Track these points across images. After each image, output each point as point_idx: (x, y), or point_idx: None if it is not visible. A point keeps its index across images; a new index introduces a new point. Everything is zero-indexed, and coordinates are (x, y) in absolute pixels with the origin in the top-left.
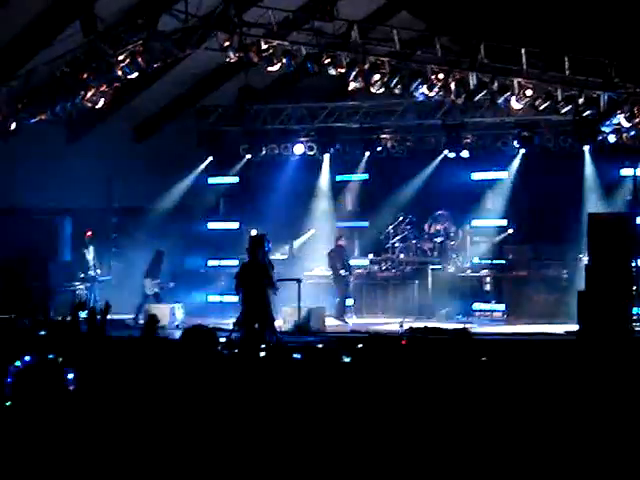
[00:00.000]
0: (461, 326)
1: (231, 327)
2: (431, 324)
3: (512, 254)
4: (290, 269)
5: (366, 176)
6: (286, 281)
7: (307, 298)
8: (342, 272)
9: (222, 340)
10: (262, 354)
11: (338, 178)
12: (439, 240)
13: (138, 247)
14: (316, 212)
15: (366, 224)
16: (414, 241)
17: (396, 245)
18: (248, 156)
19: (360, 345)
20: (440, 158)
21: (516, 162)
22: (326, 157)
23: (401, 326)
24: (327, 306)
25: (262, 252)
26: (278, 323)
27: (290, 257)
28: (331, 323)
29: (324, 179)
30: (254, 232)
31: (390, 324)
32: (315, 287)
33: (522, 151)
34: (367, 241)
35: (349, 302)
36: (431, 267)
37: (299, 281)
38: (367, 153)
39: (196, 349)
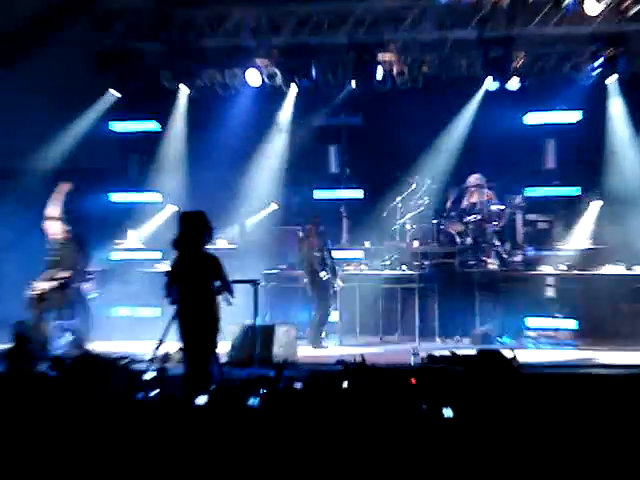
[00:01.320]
0: (509, 353)
1: (152, 355)
2: (460, 350)
3: (594, 239)
4: (242, 265)
5: (358, 120)
6: (235, 284)
7: (269, 309)
8: (322, 274)
9: (145, 377)
10: (201, 401)
11: (316, 123)
12: (474, 219)
13: (5, 226)
14: (280, 177)
15: (360, 194)
16: (435, 221)
17: (407, 228)
18: (175, 88)
19: (346, 384)
20: (475, 92)
21: (593, 96)
22: (294, 89)
23: (414, 354)
24: (299, 323)
25: (208, 235)
26: (221, 348)
27: (241, 246)
28: (308, 352)
29: (292, 124)
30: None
31: (396, 351)
32: (281, 293)
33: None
34: (362, 222)
35: (333, 316)
36: (461, 261)
37: (255, 283)
38: (359, 84)
39: (88, 393)
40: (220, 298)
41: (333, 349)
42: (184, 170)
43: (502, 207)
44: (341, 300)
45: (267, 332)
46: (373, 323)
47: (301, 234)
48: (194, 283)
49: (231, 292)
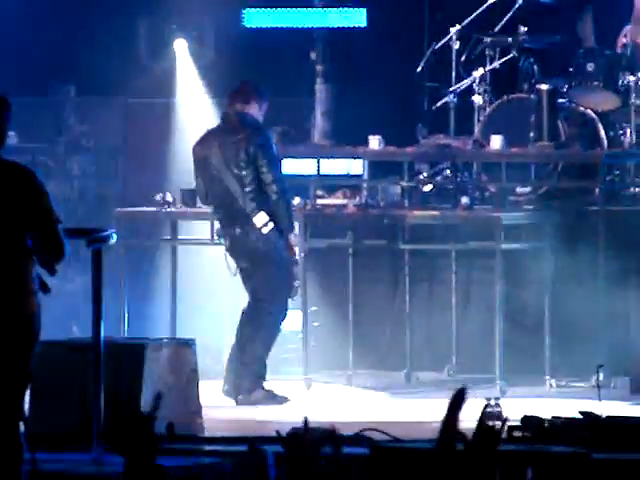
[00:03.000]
0: None
1: None
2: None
3: None
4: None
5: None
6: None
7: (132, 303)
8: (258, 219)
9: None
10: None
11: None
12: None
13: None
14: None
15: (359, 17)
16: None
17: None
18: None
19: None
20: None
21: None
22: None
23: (490, 413)
24: (208, 339)
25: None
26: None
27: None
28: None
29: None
30: None
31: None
32: (154, 266)
33: None
34: (362, 88)
35: (290, 326)
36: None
37: (94, 239)
38: None
39: None
40: (37, 272)
41: (291, 403)
42: None
43: None
44: (311, 289)
45: (124, 359)
46: (386, 338)
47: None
48: None
49: (61, 254)
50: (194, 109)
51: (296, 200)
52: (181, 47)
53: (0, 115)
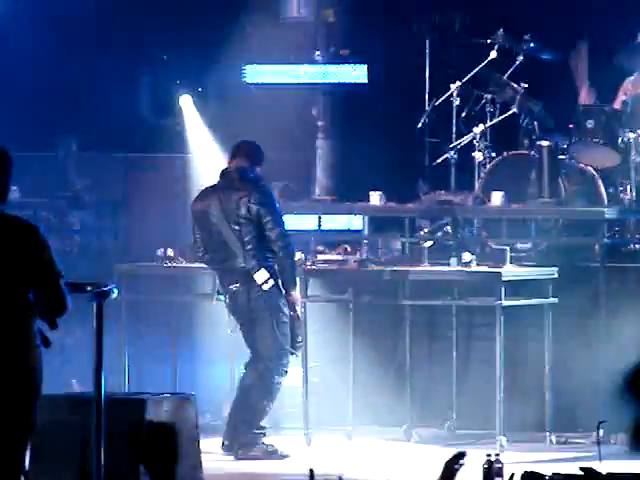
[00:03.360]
0: None
1: None
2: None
3: None
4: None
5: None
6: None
7: (132, 354)
8: (259, 277)
9: None
10: None
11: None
12: None
13: None
14: None
15: (361, 74)
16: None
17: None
18: None
19: None
20: None
21: None
22: None
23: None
24: (205, 393)
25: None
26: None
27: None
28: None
29: None
30: None
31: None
32: (157, 316)
33: None
34: (362, 142)
35: (292, 381)
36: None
37: (98, 293)
38: None
39: None
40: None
41: (291, 459)
42: None
43: None
44: (311, 344)
45: (125, 414)
46: (386, 394)
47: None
48: None
49: (62, 309)
50: (199, 164)
51: (297, 255)
52: (187, 103)
53: (2, 169)
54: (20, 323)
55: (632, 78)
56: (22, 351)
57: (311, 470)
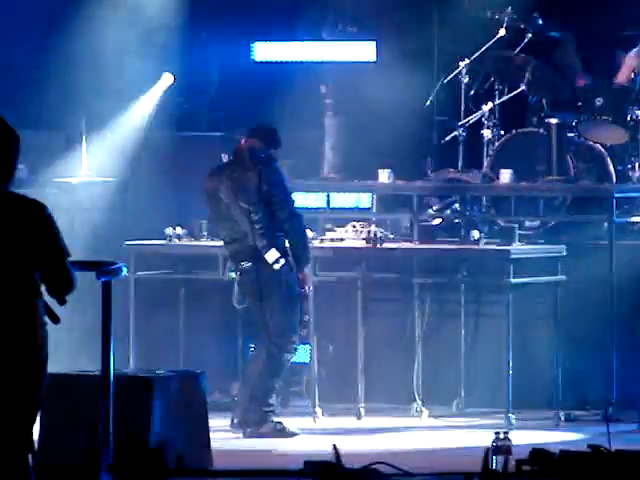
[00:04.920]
0: None
1: None
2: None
3: None
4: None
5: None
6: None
7: (141, 336)
8: (270, 256)
9: None
10: None
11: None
12: None
13: None
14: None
15: (369, 52)
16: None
17: (487, 135)
18: None
19: None
20: None
21: None
22: None
23: (497, 447)
24: (215, 371)
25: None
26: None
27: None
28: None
29: None
30: None
31: (455, 446)
32: (170, 297)
33: None
34: (370, 122)
35: (300, 357)
36: None
37: (103, 271)
38: None
39: None
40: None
41: (300, 436)
42: None
43: None
44: (320, 322)
45: (133, 391)
46: (395, 372)
47: (224, 158)
48: None
49: (69, 287)
50: (202, 143)
51: (309, 233)
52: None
53: (9, 148)
54: (26, 301)
55: (633, 54)
56: (28, 329)
57: (334, 445)
